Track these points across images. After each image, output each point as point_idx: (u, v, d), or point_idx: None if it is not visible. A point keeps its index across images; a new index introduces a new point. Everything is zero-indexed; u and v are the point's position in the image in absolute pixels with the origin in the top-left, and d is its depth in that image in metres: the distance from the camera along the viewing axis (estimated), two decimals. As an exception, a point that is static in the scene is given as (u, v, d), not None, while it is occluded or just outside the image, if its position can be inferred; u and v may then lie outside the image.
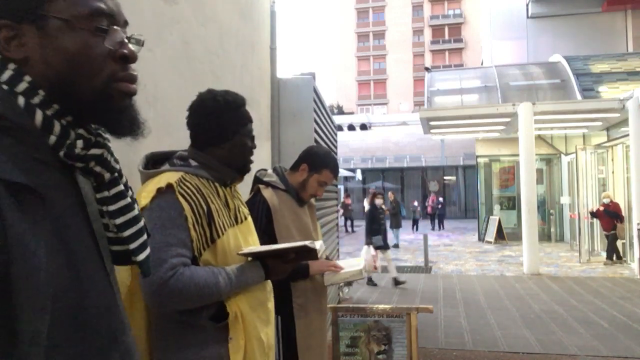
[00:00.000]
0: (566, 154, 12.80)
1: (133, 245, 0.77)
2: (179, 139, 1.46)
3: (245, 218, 1.53)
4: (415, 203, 20.13)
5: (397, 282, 7.52)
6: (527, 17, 15.69)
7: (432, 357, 4.37)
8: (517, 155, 9.76)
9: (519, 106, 9.37)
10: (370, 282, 7.64)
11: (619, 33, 14.98)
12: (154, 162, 1.44)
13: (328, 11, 51.88)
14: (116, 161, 0.77)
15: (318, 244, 1.46)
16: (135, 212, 0.78)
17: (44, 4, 0.65)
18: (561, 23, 15.20)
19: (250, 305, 1.39)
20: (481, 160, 14.54)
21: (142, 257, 0.79)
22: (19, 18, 0.65)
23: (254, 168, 1.73)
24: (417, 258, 9.77)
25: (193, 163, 1.43)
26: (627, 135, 8.67)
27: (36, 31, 0.65)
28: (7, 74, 0.64)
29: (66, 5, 0.66)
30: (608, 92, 10.66)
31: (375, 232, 7.53)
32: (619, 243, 9.44)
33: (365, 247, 7.61)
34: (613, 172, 10.21)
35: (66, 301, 0.63)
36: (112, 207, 0.75)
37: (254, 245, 1.52)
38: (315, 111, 4.47)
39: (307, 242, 1.44)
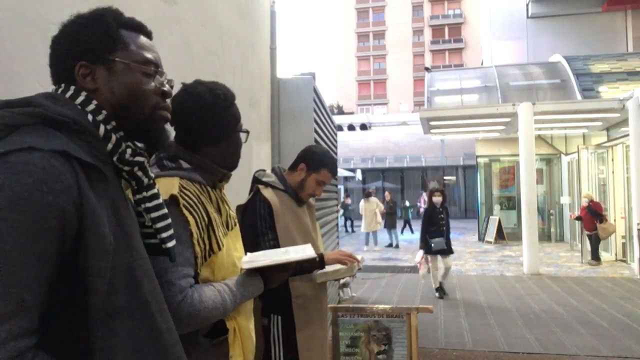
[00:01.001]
0: (566, 154, 12.80)
1: (165, 235, 0.99)
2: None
3: (235, 224, 1.43)
4: (407, 203, 18.76)
5: (442, 291, 6.81)
6: (527, 17, 15.69)
7: (432, 357, 4.37)
8: (517, 155, 9.74)
9: (519, 106, 9.36)
10: (441, 291, 6.81)
11: (619, 33, 14.98)
12: None
13: (328, 11, 51.88)
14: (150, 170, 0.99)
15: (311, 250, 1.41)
16: (165, 210, 1.00)
17: (113, 52, 0.90)
18: (561, 23, 15.20)
19: (246, 317, 1.33)
20: (481, 160, 14.53)
21: (170, 244, 1.00)
22: (94, 61, 0.89)
23: (254, 168, 1.71)
24: (418, 258, 9.73)
25: (184, 165, 1.31)
26: (627, 135, 8.67)
27: (105, 70, 0.90)
28: (80, 98, 0.88)
29: (128, 54, 0.92)
30: (608, 92, 10.66)
31: (435, 235, 6.70)
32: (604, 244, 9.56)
33: (420, 251, 6.82)
34: (613, 172, 10.21)
35: (121, 258, 0.81)
36: (149, 204, 0.97)
37: (242, 252, 1.44)
38: (315, 111, 4.47)
39: (311, 254, 1.37)
